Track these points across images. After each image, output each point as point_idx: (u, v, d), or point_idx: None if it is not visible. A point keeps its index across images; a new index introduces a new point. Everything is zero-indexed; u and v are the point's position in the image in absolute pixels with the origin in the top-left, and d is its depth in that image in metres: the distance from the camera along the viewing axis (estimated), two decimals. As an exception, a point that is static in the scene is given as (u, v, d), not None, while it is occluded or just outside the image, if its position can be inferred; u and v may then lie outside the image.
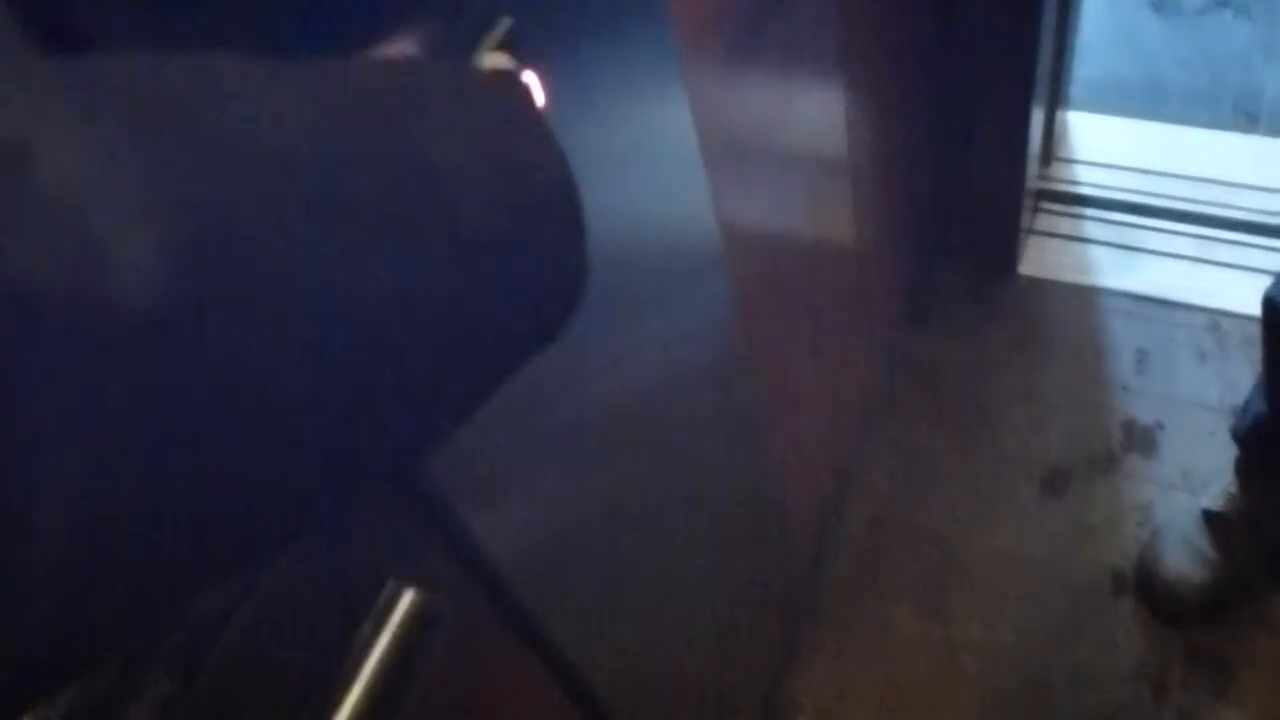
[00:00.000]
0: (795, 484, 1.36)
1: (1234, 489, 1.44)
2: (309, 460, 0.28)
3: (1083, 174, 2.00)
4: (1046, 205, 1.99)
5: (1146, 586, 1.48)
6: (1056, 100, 1.97)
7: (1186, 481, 1.58)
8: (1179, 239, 1.86)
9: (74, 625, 0.24)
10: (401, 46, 0.45)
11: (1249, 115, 2.07)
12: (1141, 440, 1.63)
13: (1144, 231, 1.88)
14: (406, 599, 0.48)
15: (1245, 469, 1.42)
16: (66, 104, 0.23)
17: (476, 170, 0.31)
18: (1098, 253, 1.88)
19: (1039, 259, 1.91)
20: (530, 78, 0.53)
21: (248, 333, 0.24)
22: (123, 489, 0.23)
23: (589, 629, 0.88)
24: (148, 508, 0.24)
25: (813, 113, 1.21)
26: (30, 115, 0.22)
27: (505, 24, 0.51)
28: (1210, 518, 1.45)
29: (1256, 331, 1.55)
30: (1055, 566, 1.54)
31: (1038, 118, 1.80)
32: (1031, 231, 1.95)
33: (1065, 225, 1.95)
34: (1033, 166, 1.89)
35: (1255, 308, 1.67)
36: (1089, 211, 1.95)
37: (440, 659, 0.51)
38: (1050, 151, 2.03)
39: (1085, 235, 1.92)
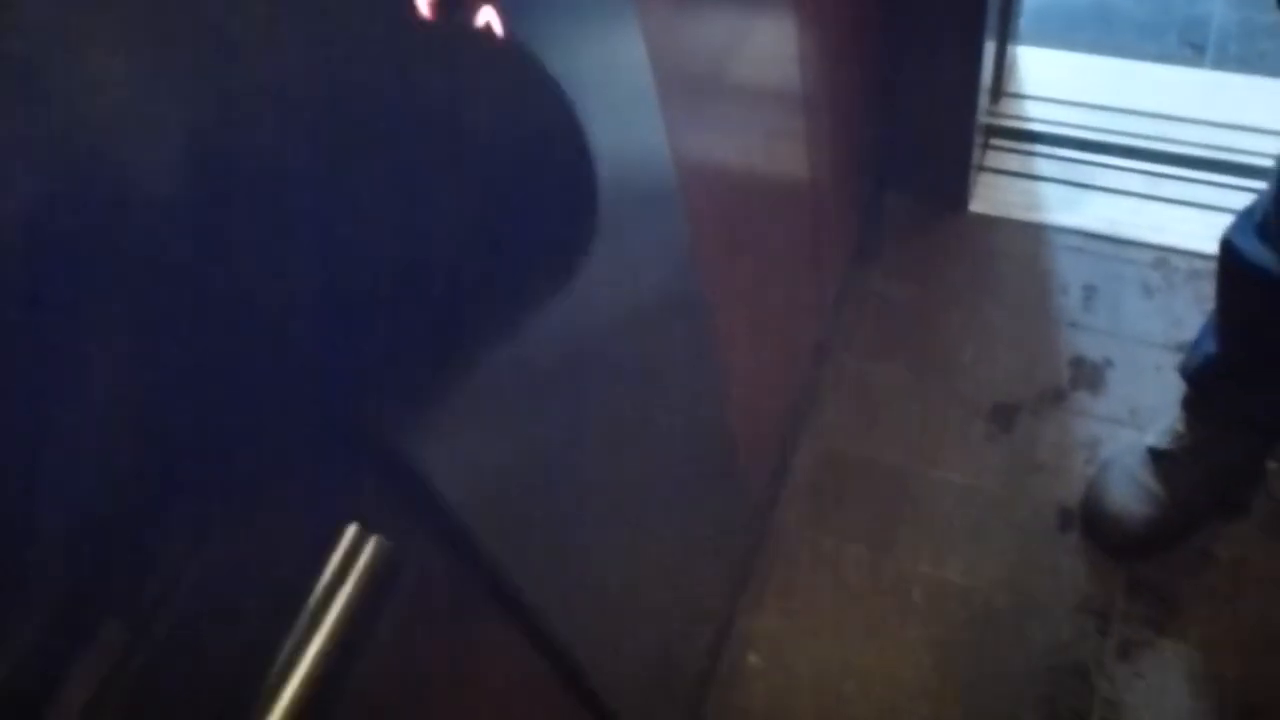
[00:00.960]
0: (747, 417, 1.35)
1: (1180, 426, 1.45)
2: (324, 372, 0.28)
3: (1032, 109, 2.00)
4: (996, 141, 1.98)
5: (1092, 521, 1.50)
6: (1007, 35, 1.96)
7: (1133, 418, 1.59)
8: (1127, 175, 1.86)
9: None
10: None
11: (1195, 47, 2.07)
12: (1089, 377, 1.65)
13: (1093, 168, 1.88)
14: (370, 547, 0.46)
15: (1192, 407, 1.43)
16: None
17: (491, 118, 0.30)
18: (1047, 189, 1.88)
19: (989, 196, 1.90)
20: (490, 13, 0.51)
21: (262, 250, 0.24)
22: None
23: (546, 568, 0.87)
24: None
25: (766, 45, 1.19)
26: None
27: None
28: (1156, 454, 1.47)
29: (1204, 267, 1.57)
30: (1003, 502, 1.56)
31: (989, 52, 1.79)
32: (981, 168, 1.94)
33: (1015, 162, 1.94)
34: (983, 101, 1.88)
35: (1202, 244, 1.69)
36: (1038, 148, 1.94)
37: (403, 610, 0.49)
38: (1000, 87, 2.02)
39: (1034, 172, 1.91)
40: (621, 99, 0.84)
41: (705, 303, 1.11)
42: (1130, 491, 1.48)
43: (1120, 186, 1.85)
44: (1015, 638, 1.45)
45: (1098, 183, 1.86)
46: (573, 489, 0.92)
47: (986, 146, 1.97)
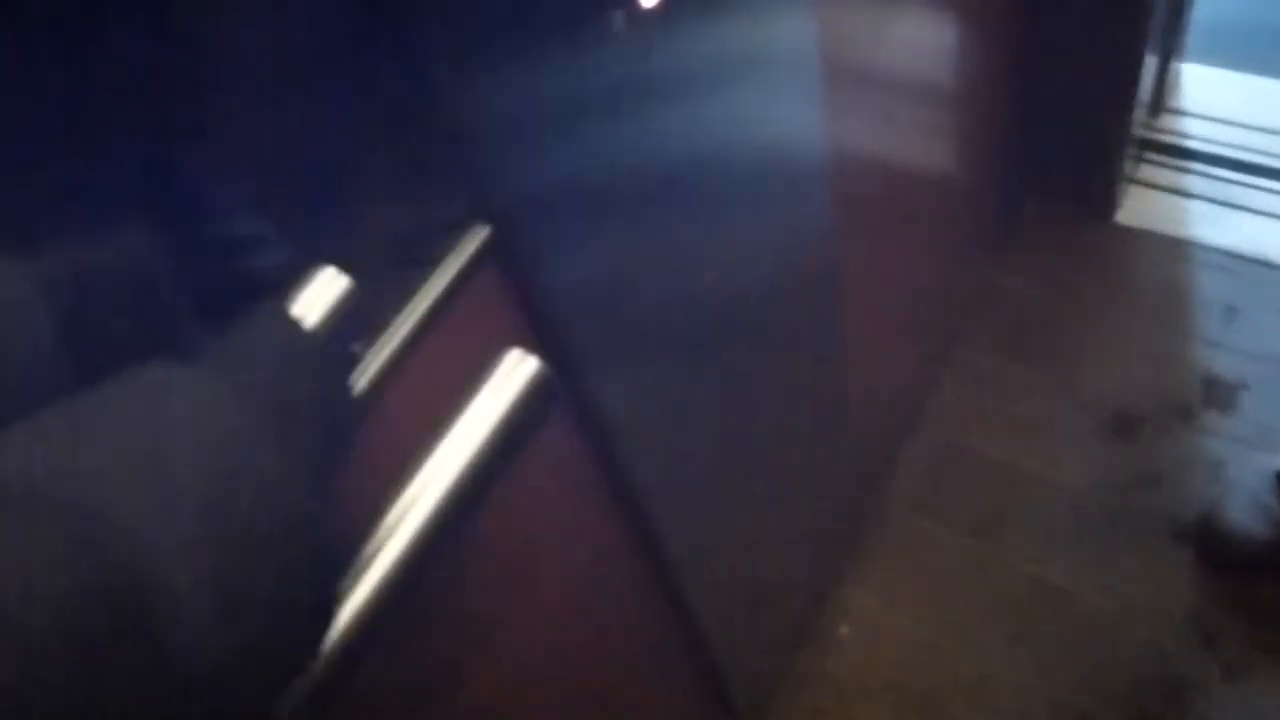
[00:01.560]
0: (863, 392, 1.36)
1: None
2: None
3: (1190, 126, 1.96)
4: (1150, 155, 1.95)
5: (1209, 538, 1.47)
6: (1171, 50, 1.93)
7: (1263, 441, 1.56)
8: (1278, 198, 1.82)
9: None
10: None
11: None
12: (1222, 396, 1.61)
13: (1246, 189, 1.84)
14: (528, 365, 0.49)
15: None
16: None
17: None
18: (1197, 206, 1.84)
19: (1136, 208, 1.87)
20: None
21: None
22: None
23: (673, 482, 0.91)
24: None
25: (924, 40, 1.20)
26: None
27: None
28: (1285, 476, 1.44)
29: (1354, 293, 1.52)
30: (1116, 509, 1.54)
31: (1150, 66, 1.77)
32: (1132, 180, 1.91)
33: (1166, 177, 1.91)
34: (1140, 115, 1.85)
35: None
36: (1193, 165, 1.91)
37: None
38: (1160, 101, 1.99)
39: (1185, 188, 1.88)
40: (789, 81, 0.88)
41: (837, 278, 1.13)
42: (1253, 512, 1.45)
43: (1271, 209, 1.81)
44: (1114, 645, 1.43)
45: (1250, 204, 1.82)
46: (712, 429, 0.95)
47: (1140, 159, 1.94)
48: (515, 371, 0.50)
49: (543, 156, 0.58)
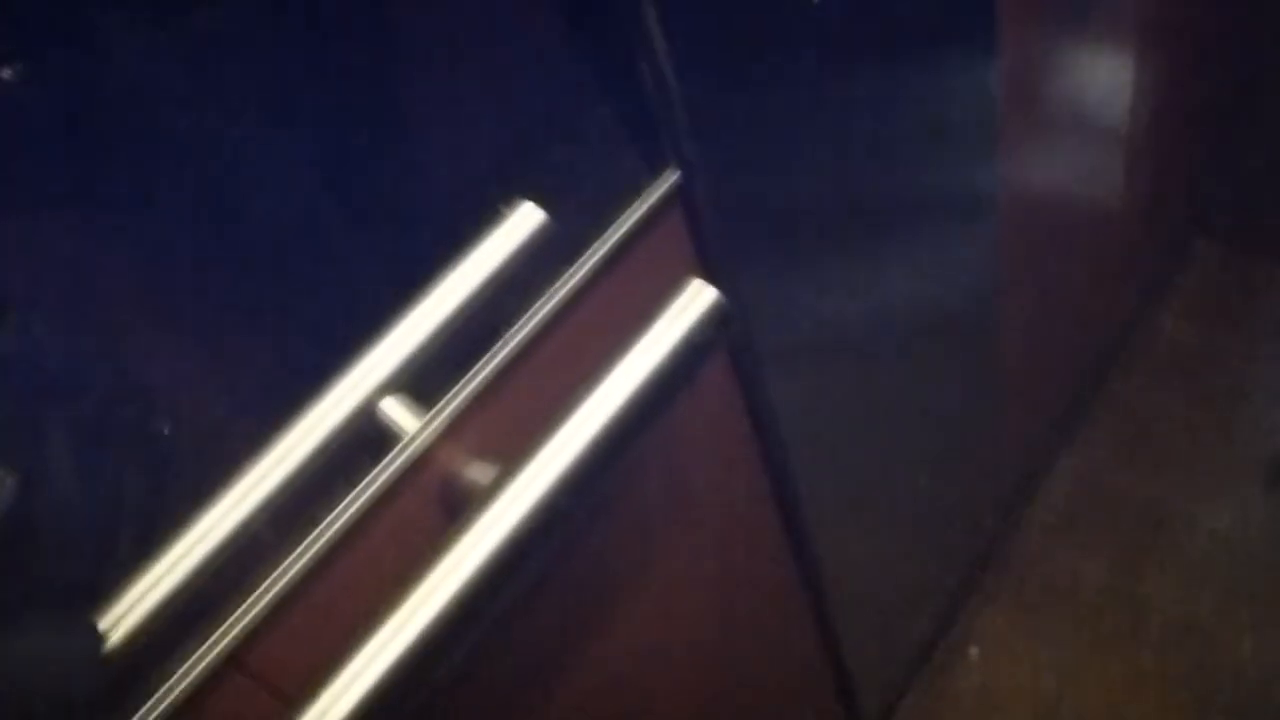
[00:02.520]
0: (1020, 417, 1.37)
1: None
2: None
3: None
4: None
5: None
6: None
7: None
8: None
9: None
10: None
11: None
12: (1385, 450, 1.56)
13: None
14: (708, 294, 0.54)
15: None
16: None
17: None
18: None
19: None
20: None
21: None
22: None
23: (831, 493, 0.94)
24: None
25: (1101, 84, 1.21)
26: None
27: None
28: None
29: None
30: (1267, 556, 1.50)
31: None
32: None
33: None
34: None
35: None
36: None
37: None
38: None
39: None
40: (965, 110, 0.91)
41: (1000, 305, 1.15)
42: None
43: None
44: (1256, 692, 1.39)
45: None
46: (865, 425, 0.99)
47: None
48: (696, 299, 0.54)
49: (732, 111, 0.62)
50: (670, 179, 0.61)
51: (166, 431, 0.52)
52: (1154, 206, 1.60)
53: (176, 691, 0.48)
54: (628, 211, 0.60)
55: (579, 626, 0.74)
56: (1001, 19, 0.88)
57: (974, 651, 1.49)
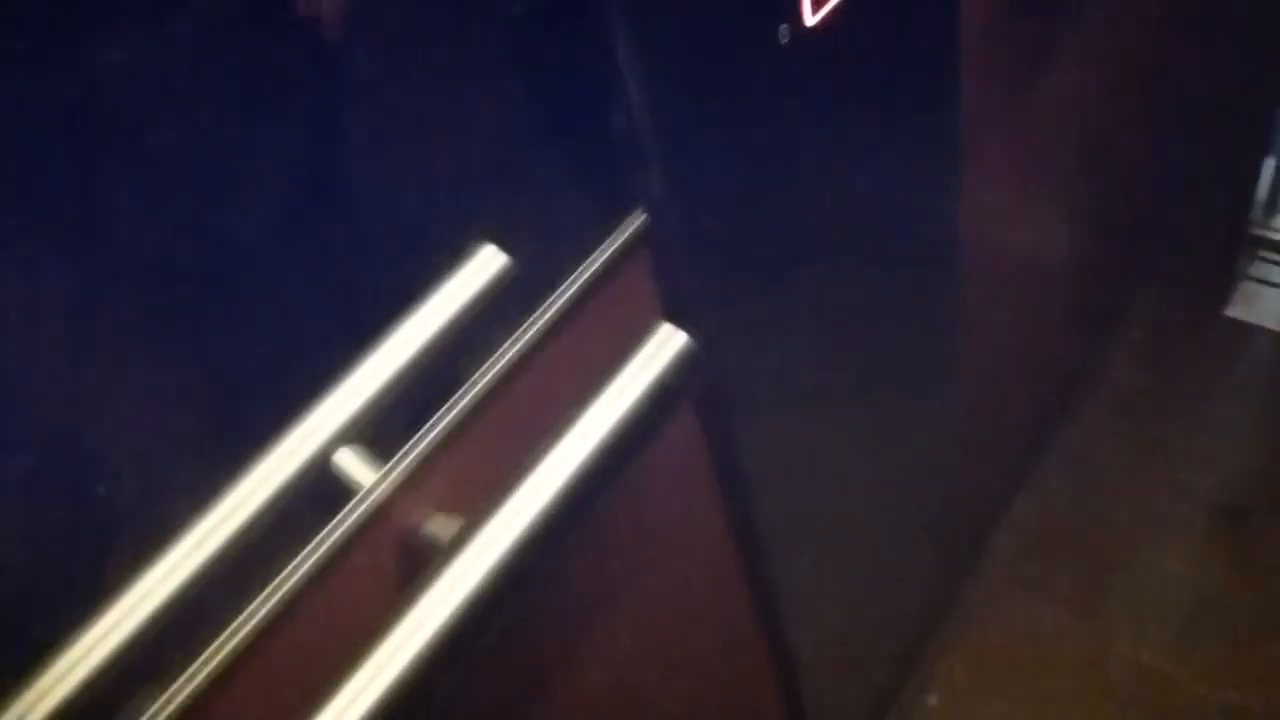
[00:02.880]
0: (977, 460, 1.36)
1: None
2: None
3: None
4: (1264, 254, 1.93)
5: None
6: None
7: (1375, 541, 1.52)
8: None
9: None
10: None
11: None
12: (1332, 493, 1.58)
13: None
14: (678, 339, 0.52)
15: None
16: None
17: None
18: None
19: (1248, 304, 1.86)
20: None
21: None
22: None
23: (794, 537, 0.93)
24: None
25: (1054, 137, 1.22)
26: None
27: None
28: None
29: None
30: (1221, 599, 1.50)
31: (1269, 167, 1.79)
32: (1246, 276, 1.90)
33: (1278, 275, 1.89)
34: (1257, 214, 1.86)
35: None
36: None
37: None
38: (1277, 203, 1.98)
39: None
40: (933, 170, 0.92)
41: (959, 347, 1.15)
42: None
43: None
44: (1211, 737, 1.39)
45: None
46: (829, 466, 0.97)
47: (1254, 257, 1.93)
48: (666, 344, 0.53)
49: (700, 153, 0.61)
50: (637, 221, 0.59)
51: (103, 493, 0.49)
52: (1103, 256, 1.62)
53: (116, 764, 0.45)
54: (593, 254, 0.58)
55: (536, 679, 0.72)
56: (964, 73, 0.88)
57: (933, 700, 1.47)
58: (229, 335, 0.53)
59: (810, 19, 0.62)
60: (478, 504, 0.51)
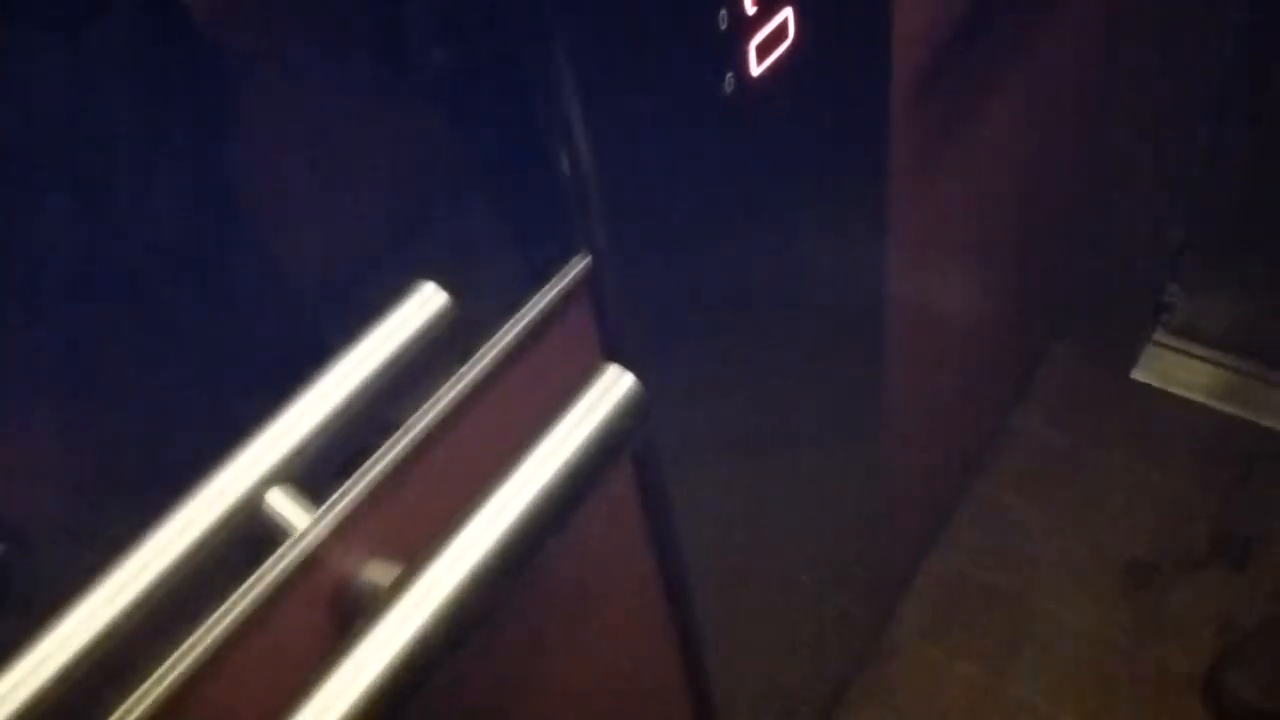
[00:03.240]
0: (893, 513, 1.37)
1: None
2: None
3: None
4: (1167, 319, 1.99)
5: (1214, 691, 1.46)
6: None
7: (1274, 598, 1.56)
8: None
9: None
10: None
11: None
12: (1234, 550, 1.62)
13: (1260, 362, 1.88)
14: (626, 381, 0.51)
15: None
16: None
17: None
18: (1214, 373, 1.88)
19: (1156, 367, 1.91)
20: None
21: None
22: None
23: (721, 586, 0.92)
24: None
25: (974, 189, 1.25)
26: None
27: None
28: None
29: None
30: (1128, 655, 1.53)
31: (1174, 239, 1.84)
32: (1154, 341, 1.95)
33: (1184, 343, 1.95)
34: (1162, 280, 1.91)
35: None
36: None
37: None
38: (1179, 269, 2.04)
39: (1200, 355, 1.91)
40: (863, 228, 0.93)
41: (881, 407, 1.16)
42: (1263, 672, 1.44)
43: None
44: (1121, 793, 1.41)
45: (1264, 376, 1.85)
46: (756, 512, 0.97)
47: (1159, 323, 1.99)
48: (613, 386, 0.52)
49: (644, 198, 0.61)
50: (581, 264, 0.58)
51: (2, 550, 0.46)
52: (1019, 315, 1.66)
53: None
54: (537, 296, 0.57)
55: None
56: (893, 130, 0.90)
57: (849, 756, 1.47)
58: (158, 368, 0.51)
59: (755, 69, 0.63)
60: (417, 549, 0.49)
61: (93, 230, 0.48)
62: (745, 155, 0.69)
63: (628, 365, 0.58)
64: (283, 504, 0.50)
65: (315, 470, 0.51)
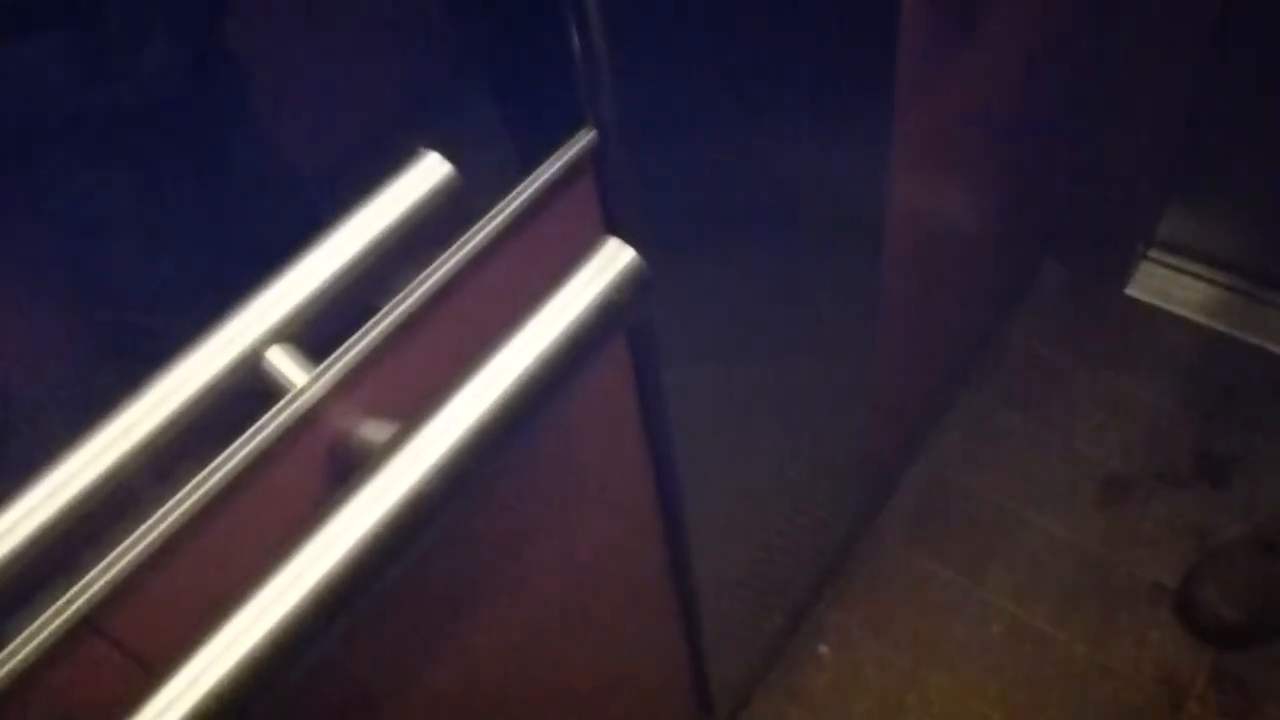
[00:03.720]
0: (877, 424, 1.39)
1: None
2: None
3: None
4: (1164, 236, 1.99)
5: (1187, 602, 1.50)
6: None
7: (1250, 516, 1.59)
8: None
9: None
10: None
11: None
12: (1214, 469, 1.65)
13: (1256, 285, 1.88)
14: (626, 255, 0.52)
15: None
16: None
17: None
18: (1207, 290, 1.88)
19: (1148, 284, 1.92)
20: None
21: None
22: None
23: (710, 483, 0.93)
24: None
25: (977, 97, 1.24)
26: None
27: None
28: (1270, 552, 1.47)
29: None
30: (1101, 564, 1.56)
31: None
32: (1146, 257, 1.95)
33: (1179, 260, 1.95)
34: (1159, 199, 1.90)
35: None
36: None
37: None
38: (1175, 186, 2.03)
39: (1196, 271, 1.92)
40: (866, 130, 0.92)
41: (875, 311, 1.17)
42: (1233, 583, 1.47)
43: (1274, 300, 1.84)
44: (1086, 692, 1.45)
45: (1261, 294, 1.86)
46: (747, 410, 0.98)
47: (1155, 240, 1.99)
48: (614, 259, 0.52)
49: (654, 77, 0.60)
50: (585, 139, 0.58)
51: None
52: (1015, 228, 1.65)
53: (23, 653, 0.44)
54: (540, 169, 0.57)
55: (447, 606, 0.71)
56: (902, 29, 0.89)
57: (824, 650, 1.51)
58: (167, 224, 0.52)
59: (771, -52, 0.62)
60: (413, 411, 0.50)
61: (92, 95, 0.48)
62: (756, 40, 0.68)
63: (629, 242, 0.59)
64: (282, 361, 0.51)
65: (318, 333, 0.52)
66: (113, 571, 0.46)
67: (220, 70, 0.53)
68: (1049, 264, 1.94)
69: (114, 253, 0.52)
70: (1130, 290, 1.91)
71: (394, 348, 0.53)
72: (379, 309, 0.54)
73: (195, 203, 0.54)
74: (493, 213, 0.56)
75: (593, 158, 0.59)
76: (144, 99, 0.49)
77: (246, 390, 0.50)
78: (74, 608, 0.45)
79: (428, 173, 0.55)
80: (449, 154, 0.55)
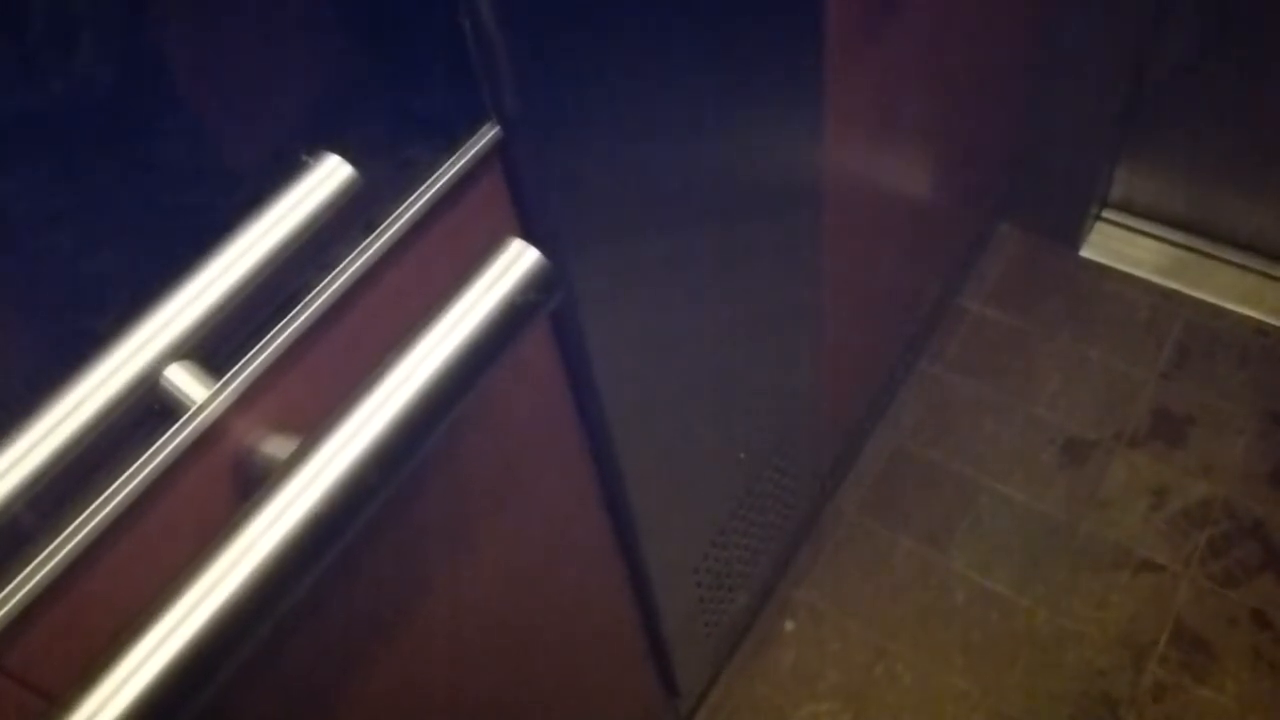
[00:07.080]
0: (832, 398, 1.38)
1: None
2: None
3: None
4: (1118, 197, 1.99)
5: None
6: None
7: (1208, 475, 1.59)
8: (1244, 252, 1.86)
9: None
10: None
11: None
12: (1171, 428, 1.65)
13: (1207, 238, 1.89)
14: (530, 255, 0.51)
15: None
16: None
17: None
18: (1160, 249, 1.89)
19: (1102, 244, 1.92)
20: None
21: None
22: None
23: (655, 470, 0.92)
24: None
25: (916, 56, 1.23)
26: None
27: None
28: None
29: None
30: (1061, 528, 1.57)
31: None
32: (1099, 218, 1.96)
33: (1132, 220, 1.96)
34: (1113, 157, 1.90)
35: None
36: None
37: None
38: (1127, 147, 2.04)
39: (1149, 231, 1.92)
40: (796, 97, 0.90)
41: (823, 279, 1.16)
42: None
43: (1236, 260, 1.85)
44: (1050, 657, 1.46)
45: (1211, 252, 1.87)
46: (685, 380, 0.96)
47: (1109, 201, 1.99)
48: (518, 260, 0.51)
49: (557, 67, 0.59)
50: (489, 134, 0.57)
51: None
52: (964, 190, 1.65)
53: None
54: (443, 168, 0.56)
55: (388, 602, 0.70)
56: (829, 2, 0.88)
57: (789, 625, 1.51)
58: (56, 238, 0.50)
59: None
60: (317, 424, 0.49)
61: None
62: (673, 14, 0.67)
63: (545, 241, 0.58)
64: (181, 379, 0.49)
65: (215, 344, 0.50)
66: (8, 605, 0.45)
67: (110, 76, 0.51)
68: (1002, 228, 1.94)
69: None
70: (1084, 252, 1.91)
71: (295, 358, 0.52)
72: (280, 318, 0.53)
73: (86, 215, 0.53)
74: (394, 215, 0.55)
75: (499, 153, 0.58)
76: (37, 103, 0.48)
77: (145, 408, 0.49)
78: (-32, 642, 0.44)
79: (327, 176, 0.54)
80: (350, 156, 0.53)
